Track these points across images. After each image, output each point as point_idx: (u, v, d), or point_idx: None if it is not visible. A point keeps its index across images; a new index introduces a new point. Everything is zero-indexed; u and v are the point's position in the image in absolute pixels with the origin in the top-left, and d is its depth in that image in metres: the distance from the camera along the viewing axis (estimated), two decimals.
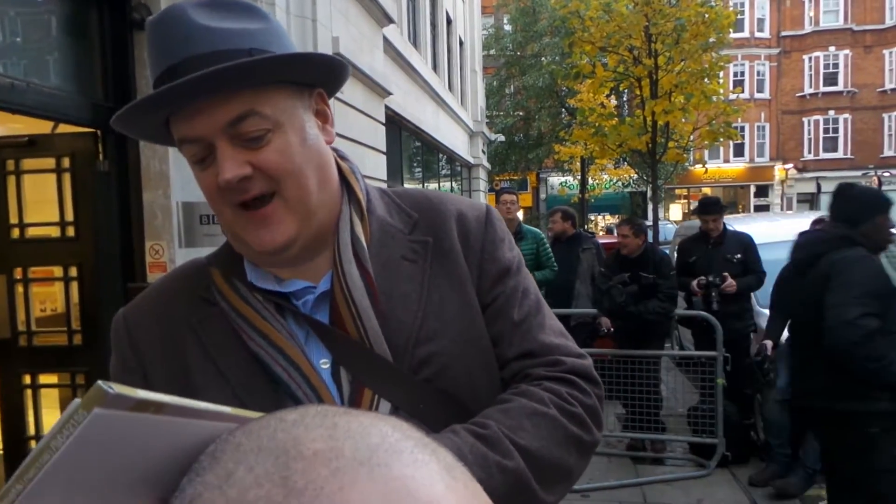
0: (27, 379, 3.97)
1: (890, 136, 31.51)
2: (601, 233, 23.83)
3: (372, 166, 7.45)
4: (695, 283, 5.33)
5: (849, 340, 2.88)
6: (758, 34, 32.31)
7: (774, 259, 5.26)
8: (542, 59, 23.17)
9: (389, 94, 8.13)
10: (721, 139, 9.69)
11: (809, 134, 32.29)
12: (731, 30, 9.47)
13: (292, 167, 0.90)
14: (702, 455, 5.17)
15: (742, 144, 31.68)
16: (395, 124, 10.43)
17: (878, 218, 3.15)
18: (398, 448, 0.32)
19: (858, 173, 30.00)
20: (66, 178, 3.84)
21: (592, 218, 29.34)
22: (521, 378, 0.99)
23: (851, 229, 3.13)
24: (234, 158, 0.87)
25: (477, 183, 19.35)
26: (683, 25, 8.99)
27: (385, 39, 8.57)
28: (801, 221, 4.97)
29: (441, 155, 15.98)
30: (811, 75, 32.00)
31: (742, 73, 31.84)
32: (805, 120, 32.25)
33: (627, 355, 5.35)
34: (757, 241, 5.53)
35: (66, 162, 3.83)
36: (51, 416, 4.03)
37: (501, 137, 23.30)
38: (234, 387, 0.93)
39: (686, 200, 33.55)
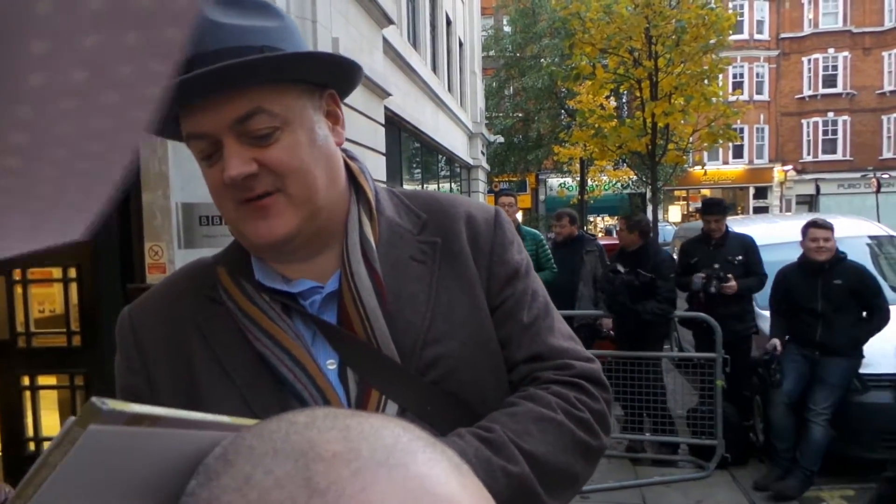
0: (26, 380, 3.96)
1: (889, 137, 31.54)
2: (600, 234, 23.87)
3: (371, 167, 7.28)
4: (696, 276, 5.28)
5: None
6: (757, 36, 32.34)
7: (774, 261, 5.27)
8: (542, 60, 23.22)
9: (389, 95, 8.12)
10: (720, 141, 9.71)
11: (808, 136, 32.31)
12: (731, 32, 9.49)
13: (299, 165, 0.89)
14: (701, 456, 5.16)
15: (741, 146, 31.67)
16: (395, 125, 10.42)
17: None
18: (412, 448, 0.33)
19: (857, 175, 30.06)
20: None
21: (592, 219, 29.39)
22: (529, 381, 0.98)
23: None
24: (241, 155, 0.87)
25: (476, 184, 19.37)
26: (684, 27, 9.01)
27: (385, 40, 8.57)
28: (801, 223, 4.97)
29: (440, 156, 15.98)
30: (810, 77, 32.02)
31: (741, 75, 31.88)
32: (804, 122, 32.27)
33: (627, 357, 5.35)
34: (756, 242, 5.52)
35: None
36: (49, 418, 4.02)
37: (501, 139, 23.33)
38: (240, 387, 0.93)
39: (685, 202, 33.59)
